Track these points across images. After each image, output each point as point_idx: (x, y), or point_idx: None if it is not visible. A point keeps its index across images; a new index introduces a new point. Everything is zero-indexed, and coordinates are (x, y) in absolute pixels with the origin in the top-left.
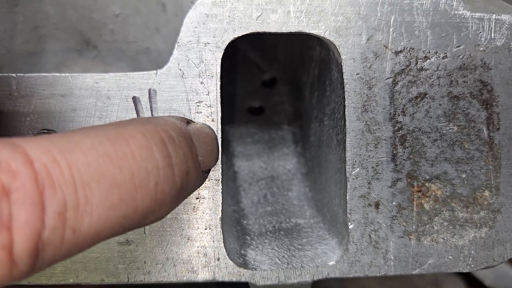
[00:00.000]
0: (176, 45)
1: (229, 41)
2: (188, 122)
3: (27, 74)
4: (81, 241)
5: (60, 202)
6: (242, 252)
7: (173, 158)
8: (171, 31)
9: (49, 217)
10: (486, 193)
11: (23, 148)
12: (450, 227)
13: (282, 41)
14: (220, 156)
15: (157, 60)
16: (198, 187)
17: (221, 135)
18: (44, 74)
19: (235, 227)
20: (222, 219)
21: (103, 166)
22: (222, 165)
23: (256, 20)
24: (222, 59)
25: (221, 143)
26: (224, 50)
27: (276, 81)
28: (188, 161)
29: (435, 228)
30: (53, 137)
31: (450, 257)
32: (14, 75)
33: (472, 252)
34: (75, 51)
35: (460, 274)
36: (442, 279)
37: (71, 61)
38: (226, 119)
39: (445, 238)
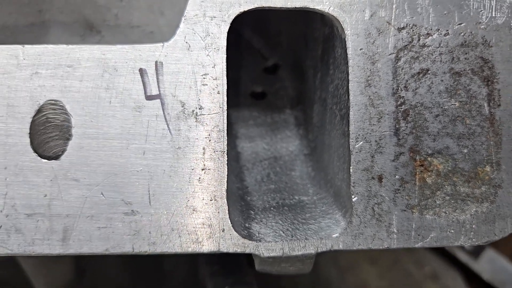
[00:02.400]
0: (183, 18)
1: (235, 15)
2: None
3: (34, 45)
4: None
5: None
6: (247, 225)
7: None
8: (175, 13)
9: None
10: (487, 168)
11: None
12: (452, 201)
13: (285, 23)
14: (225, 128)
15: None
16: None
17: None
18: (51, 46)
19: (239, 203)
20: (227, 191)
21: None
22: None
23: None
24: (227, 44)
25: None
26: (229, 36)
27: (278, 67)
28: None
29: (437, 202)
30: None
31: (452, 231)
32: (21, 46)
33: (473, 226)
34: (79, 36)
35: (458, 268)
36: (440, 272)
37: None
38: (230, 102)
39: (447, 212)
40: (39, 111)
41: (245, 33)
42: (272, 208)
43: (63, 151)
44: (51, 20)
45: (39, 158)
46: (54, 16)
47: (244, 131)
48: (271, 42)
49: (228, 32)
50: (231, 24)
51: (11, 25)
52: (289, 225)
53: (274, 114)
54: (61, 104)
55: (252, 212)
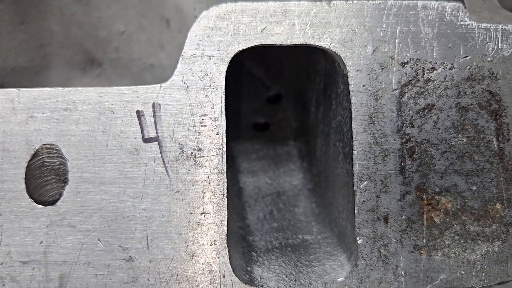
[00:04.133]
0: (181, 58)
1: (234, 53)
2: None
3: (29, 89)
4: None
5: None
6: (248, 268)
7: None
8: (175, 47)
9: None
10: (498, 205)
11: None
12: (462, 241)
13: (287, 55)
14: (225, 170)
15: (162, 76)
16: None
17: (226, 150)
18: (46, 88)
19: (240, 244)
20: (227, 235)
21: None
22: (227, 181)
23: (261, 32)
24: (227, 74)
25: (226, 159)
26: (229, 65)
27: (281, 97)
28: None
29: (446, 242)
30: None
31: (463, 272)
32: (16, 89)
33: (485, 266)
34: (80, 69)
35: None
36: None
37: (76, 79)
38: (231, 135)
39: (456, 252)
40: (34, 155)
41: (246, 63)
42: (275, 249)
43: (60, 195)
44: (52, 54)
45: (34, 204)
46: (55, 50)
47: (247, 165)
48: (272, 71)
49: (229, 63)
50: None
51: (11, 61)
52: (293, 267)
53: (277, 146)
54: (57, 148)
55: (254, 254)
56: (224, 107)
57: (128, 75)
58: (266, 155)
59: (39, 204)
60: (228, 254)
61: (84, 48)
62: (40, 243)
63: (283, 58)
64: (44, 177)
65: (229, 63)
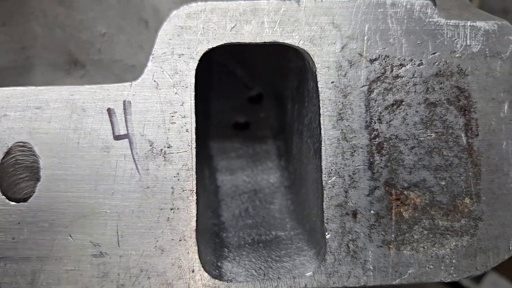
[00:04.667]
0: (151, 57)
1: (203, 52)
2: None
3: (2, 88)
4: None
5: None
6: (219, 264)
7: None
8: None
9: None
10: (467, 200)
11: None
12: (431, 235)
13: (265, 56)
14: (194, 167)
15: None
16: None
17: (205, 150)
18: (19, 88)
19: (213, 240)
20: (197, 230)
21: None
22: (197, 176)
23: (230, 31)
24: (208, 75)
25: (204, 158)
26: (211, 66)
27: (262, 97)
28: None
29: (415, 237)
30: None
31: (431, 266)
32: None
33: (453, 261)
34: (63, 70)
35: None
36: None
37: (59, 80)
38: (210, 133)
39: (425, 247)
40: (7, 153)
41: (228, 64)
42: (247, 245)
43: (33, 192)
44: (35, 56)
45: (7, 201)
46: (38, 52)
47: (225, 163)
48: (253, 72)
49: (213, 63)
50: (215, 56)
51: None
52: (263, 263)
53: (256, 144)
54: (29, 146)
55: (226, 250)
56: (194, 104)
57: (111, 76)
58: (245, 154)
59: (13, 202)
60: (197, 249)
61: (67, 49)
62: (13, 239)
63: (262, 58)
64: (18, 175)
65: (211, 64)
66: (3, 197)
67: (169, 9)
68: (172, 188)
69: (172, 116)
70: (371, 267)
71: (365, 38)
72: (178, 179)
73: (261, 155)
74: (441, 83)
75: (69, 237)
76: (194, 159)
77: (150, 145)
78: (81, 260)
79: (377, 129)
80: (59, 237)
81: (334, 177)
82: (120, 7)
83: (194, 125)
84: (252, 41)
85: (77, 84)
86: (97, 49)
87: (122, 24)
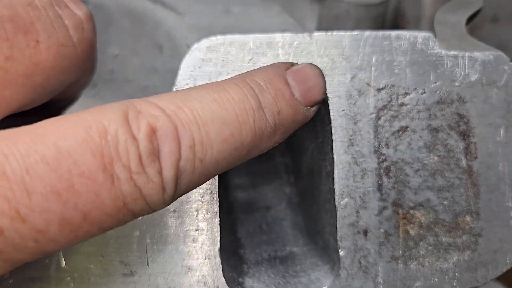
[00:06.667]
0: (174, 87)
1: None
2: (292, 65)
3: None
4: (206, 170)
5: (190, 137)
6: (240, 280)
7: (261, 101)
8: (167, 70)
9: (183, 149)
10: (467, 218)
11: (151, 101)
12: (435, 251)
13: None
14: (217, 191)
15: None
16: (304, 121)
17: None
18: None
19: (232, 257)
20: (220, 249)
21: (215, 109)
22: (220, 198)
23: (248, 63)
24: None
25: (218, 177)
26: None
27: None
28: (278, 102)
29: (421, 252)
30: (169, 94)
31: (436, 279)
32: None
33: (456, 274)
34: None
35: None
36: None
37: None
38: None
39: (430, 261)
40: None
41: None
42: (264, 260)
43: None
44: None
45: None
46: None
47: (237, 181)
48: None
49: None
50: None
51: None
52: (281, 278)
53: (265, 162)
54: None
55: (245, 266)
56: None
57: (123, 96)
58: (254, 171)
59: None
60: (221, 267)
61: None
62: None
63: None
64: None
65: None
66: None
67: (184, 36)
68: (197, 210)
69: None
70: (381, 281)
71: (373, 68)
72: (202, 202)
73: (271, 172)
74: (443, 110)
75: (101, 257)
76: (217, 183)
77: None
78: (112, 280)
79: (385, 153)
80: (93, 258)
81: (346, 199)
82: (134, 30)
83: None
84: None
85: (88, 102)
86: (109, 70)
87: (135, 47)
